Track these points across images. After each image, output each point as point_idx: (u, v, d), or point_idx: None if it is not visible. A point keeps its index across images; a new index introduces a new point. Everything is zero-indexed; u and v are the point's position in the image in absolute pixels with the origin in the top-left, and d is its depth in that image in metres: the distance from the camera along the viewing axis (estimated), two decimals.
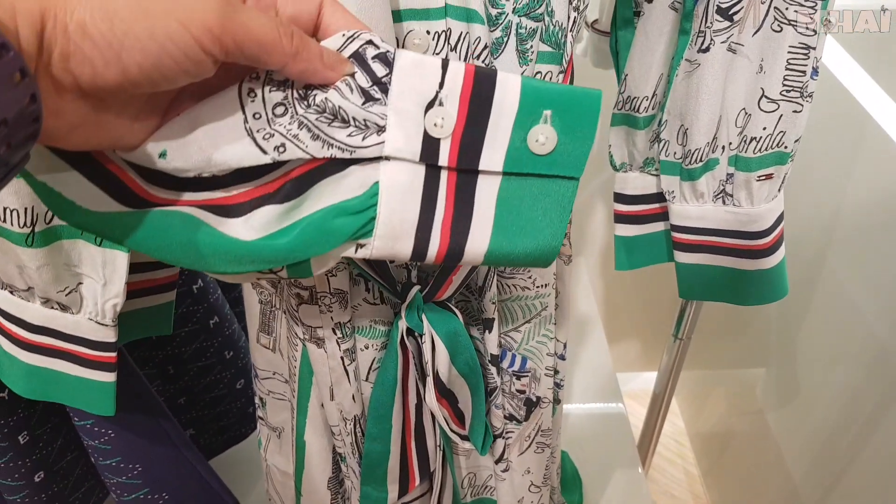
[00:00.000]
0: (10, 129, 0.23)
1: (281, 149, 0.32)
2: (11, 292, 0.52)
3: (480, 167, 0.33)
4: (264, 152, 0.32)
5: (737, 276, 0.63)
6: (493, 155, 0.32)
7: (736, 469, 1.12)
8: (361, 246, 0.34)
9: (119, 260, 0.51)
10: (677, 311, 0.86)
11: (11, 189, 0.45)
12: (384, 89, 0.31)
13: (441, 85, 0.32)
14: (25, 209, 0.46)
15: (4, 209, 0.46)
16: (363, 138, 0.32)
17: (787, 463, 0.94)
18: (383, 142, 0.32)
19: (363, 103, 0.31)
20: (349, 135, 0.32)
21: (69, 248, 0.50)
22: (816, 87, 0.55)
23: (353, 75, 0.31)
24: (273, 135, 0.31)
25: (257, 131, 0.31)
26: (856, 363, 0.78)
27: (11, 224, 0.47)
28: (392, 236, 0.33)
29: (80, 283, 0.52)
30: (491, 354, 0.52)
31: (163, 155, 0.31)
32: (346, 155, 0.32)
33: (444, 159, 0.32)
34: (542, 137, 0.32)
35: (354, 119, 0.32)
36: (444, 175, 0.33)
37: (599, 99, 0.32)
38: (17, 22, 0.24)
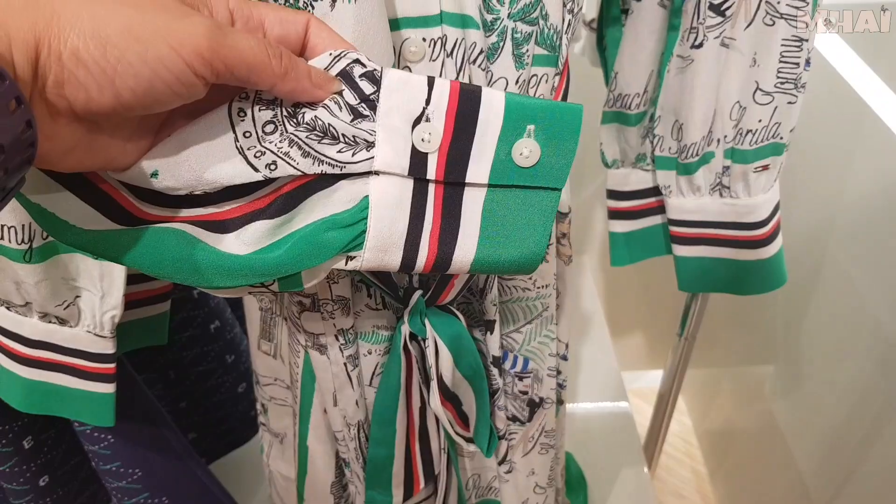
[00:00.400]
0: (6, 155, 0.24)
1: (272, 166, 0.32)
2: (8, 308, 0.52)
3: (467, 180, 0.34)
4: (256, 170, 0.32)
5: (736, 267, 0.63)
6: (478, 168, 0.33)
7: (745, 468, 1.12)
8: (352, 258, 0.34)
9: (116, 272, 0.51)
10: (682, 309, 0.86)
11: (9, 206, 0.45)
12: (372, 106, 0.32)
13: (427, 101, 0.32)
14: (23, 226, 0.46)
15: (2, 226, 0.46)
16: (353, 154, 0.32)
17: (796, 461, 0.94)
18: (373, 157, 0.33)
19: (352, 120, 0.32)
20: (339, 151, 0.32)
21: (67, 262, 0.50)
22: (817, 79, 0.55)
23: (341, 93, 0.32)
24: (264, 152, 0.32)
25: (248, 149, 0.32)
26: (864, 357, 0.78)
27: (9, 241, 0.47)
28: (382, 248, 0.34)
29: (78, 297, 0.51)
30: (493, 356, 0.52)
31: (154, 174, 0.31)
32: (336, 171, 0.33)
33: (431, 173, 0.33)
34: (526, 151, 0.33)
35: (344, 135, 0.32)
36: (431, 188, 0.34)
37: (581, 113, 0.33)
38: (13, 51, 0.24)
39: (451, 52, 0.39)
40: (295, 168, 0.32)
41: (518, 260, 0.35)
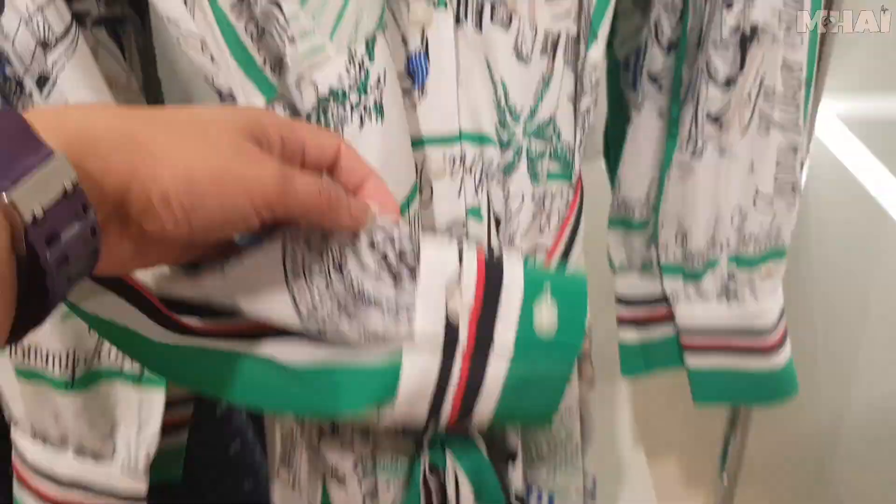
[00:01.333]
0: (70, 270, 0.25)
1: (316, 322, 0.35)
2: (44, 442, 0.52)
3: (493, 350, 0.37)
4: (301, 319, 0.35)
5: (749, 377, 0.63)
6: (504, 336, 0.36)
7: None
8: (381, 409, 0.37)
9: (156, 399, 0.51)
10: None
11: (56, 333, 0.46)
12: (413, 277, 0.36)
13: (459, 275, 0.36)
14: (68, 353, 0.47)
15: (46, 354, 0.47)
16: (395, 322, 0.35)
17: None
18: (411, 325, 0.36)
19: (394, 291, 0.35)
20: (381, 317, 0.35)
21: (107, 391, 0.50)
22: (832, 180, 0.54)
23: (387, 265, 0.35)
24: (315, 308, 0.35)
25: (299, 301, 0.35)
26: None
27: (53, 368, 0.48)
28: (410, 403, 0.37)
29: (115, 429, 0.52)
30: (516, 492, 0.49)
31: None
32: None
33: (462, 339, 0.36)
34: (546, 313, 0.36)
35: (387, 302, 0.35)
36: (459, 353, 0.36)
37: (585, 281, 0.37)
38: (104, 182, 0.26)
39: (470, 169, 0.42)
40: (338, 327, 0.35)
41: (531, 417, 0.38)
